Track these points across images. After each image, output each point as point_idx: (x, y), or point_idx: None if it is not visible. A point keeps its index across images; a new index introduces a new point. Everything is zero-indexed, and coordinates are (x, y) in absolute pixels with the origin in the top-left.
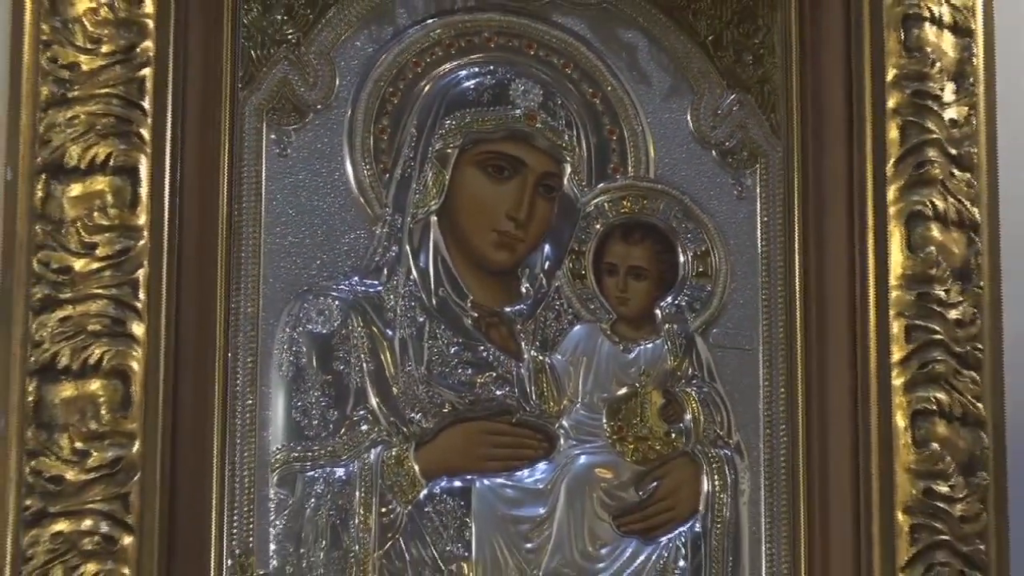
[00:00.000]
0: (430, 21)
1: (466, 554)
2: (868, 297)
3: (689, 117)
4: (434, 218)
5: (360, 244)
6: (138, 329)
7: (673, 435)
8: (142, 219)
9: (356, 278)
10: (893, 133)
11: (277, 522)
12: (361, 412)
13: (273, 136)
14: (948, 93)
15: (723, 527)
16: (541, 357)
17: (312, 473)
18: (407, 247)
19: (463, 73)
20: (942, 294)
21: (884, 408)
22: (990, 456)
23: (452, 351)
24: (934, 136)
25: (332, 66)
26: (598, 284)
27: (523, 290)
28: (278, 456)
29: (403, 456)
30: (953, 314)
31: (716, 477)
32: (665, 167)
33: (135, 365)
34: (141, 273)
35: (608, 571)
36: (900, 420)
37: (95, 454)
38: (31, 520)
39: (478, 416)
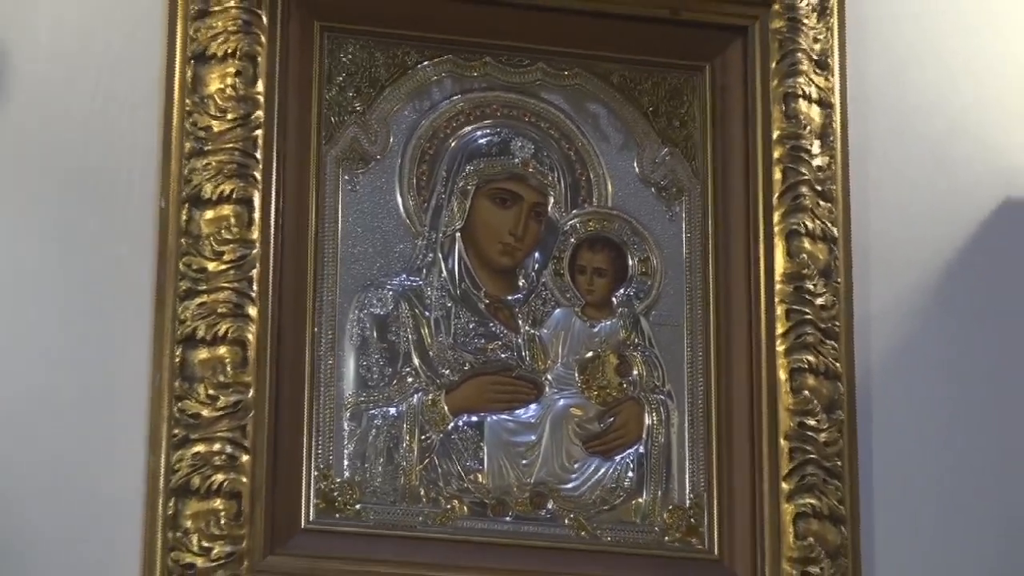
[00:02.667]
0: (455, 97)
1: (480, 467)
2: (760, 289)
3: (635, 164)
4: (458, 234)
5: (407, 252)
6: (252, 311)
7: (625, 385)
8: (255, 235)
9: (404, 276)
10: (777, 175)
11: (349, 445)
12: (407, 369)
13: (346, 177)
14: (815, 147)
15: (659, 450)
16: (532, 331)
17: (373, 411)
18: (439, 254)
19: (478, 133)
20: (811, 287)
21: (771, 366)
22: (844, 400)
23: (471, 327)
24: (806, 178)
25: (388, 128)
26: (572, 280)
27: (520, 284)
28: (349, 400)
29: (437, 399)
30: (819, 301)
31: (654, 414)
32: (619, 199)
33: (250, 336)
34: (254, 272)
35: (579, 480)
36: (782, 374)
37: (222, 398)
38: (177, 444)
39: (489, 372)
